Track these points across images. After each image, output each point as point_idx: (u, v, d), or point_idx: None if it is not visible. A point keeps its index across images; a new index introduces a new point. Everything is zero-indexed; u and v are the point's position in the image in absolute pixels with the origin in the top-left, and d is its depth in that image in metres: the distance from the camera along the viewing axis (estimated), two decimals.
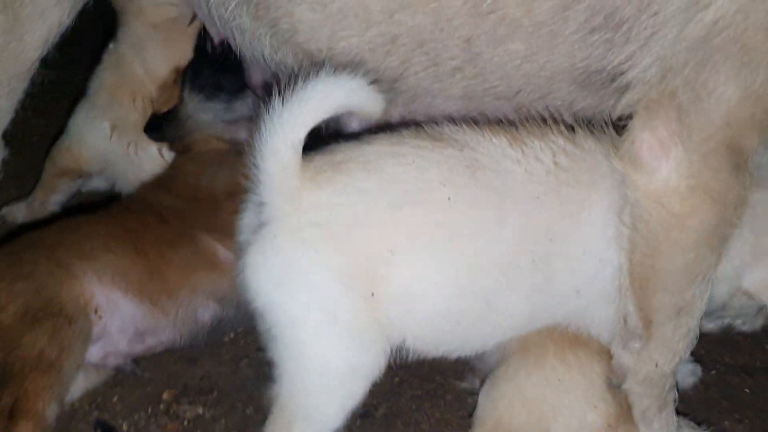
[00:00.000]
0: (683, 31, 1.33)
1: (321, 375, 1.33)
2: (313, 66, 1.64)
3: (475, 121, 1.55)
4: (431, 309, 1.37)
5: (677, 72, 1.35)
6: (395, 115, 1.77)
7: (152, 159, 2.22)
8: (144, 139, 2.20)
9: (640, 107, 1.42)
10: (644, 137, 1.40)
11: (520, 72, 1.55)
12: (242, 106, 2.10)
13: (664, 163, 1.39)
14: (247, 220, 1.41)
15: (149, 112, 2.21)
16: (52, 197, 2.31)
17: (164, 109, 2.14)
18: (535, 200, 1.38)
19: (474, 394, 1.73)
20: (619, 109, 1.46)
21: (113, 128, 2.24)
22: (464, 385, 1.87)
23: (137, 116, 2.23)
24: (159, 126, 2.14)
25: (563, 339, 1.63)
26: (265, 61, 1.71)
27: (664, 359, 1.56)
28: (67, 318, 1.67)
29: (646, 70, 1.39)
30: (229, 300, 1.82)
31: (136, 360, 1.89)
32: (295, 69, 1.69)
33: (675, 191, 1.38)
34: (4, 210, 2.36)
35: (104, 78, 2.29)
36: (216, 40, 2.02)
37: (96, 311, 1.73)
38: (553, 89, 1.58)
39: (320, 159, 1.36)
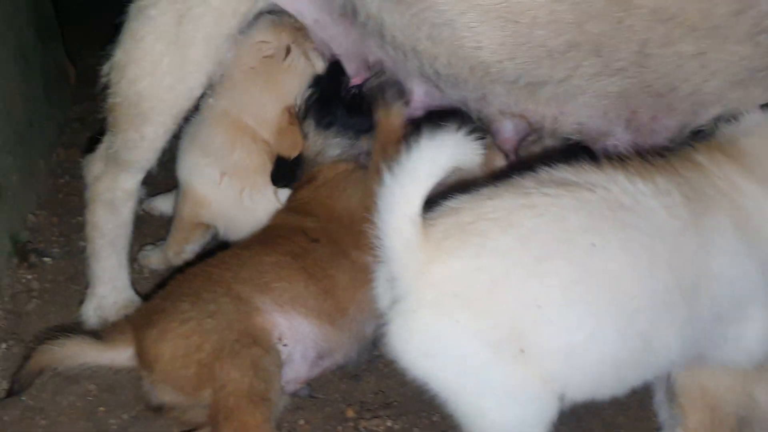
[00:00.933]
0: None
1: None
2: (485, 75, 1.75)
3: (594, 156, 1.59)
4: (590, 359, 1.33)
5: None
6: (548, 116, 1.88)
7: (267, 203, 2.17)
8: (258, 183, 2.16)
9: None
10: None
11: (681, 70, 1.70)
12: (367, 142, 2.15)
13: None
14: (381, 290, 1.41)
15: (268, 157, 2.17)
16: (186, 248, 2.26)
17: (293, 155, 2.12)
18: (678, 234, 1.37)
19: None
20: None
21: (222, 175, 2.18)
22: None
23: (252, 162, 2.18)
24: (287, 169, 2.13)
25: None
26: (434, 75, 1.80)
27: None
28: (263, 349, 1.69)
29: None
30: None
31: (309, 383, 1.91)
32: (465, 79, 1.78)
33: None
34: (140, 255, 2.34)
35: (211, 130, 2.18)
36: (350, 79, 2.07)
37: (280, 339, 1.75)
38: (706, 85, 1.73)
39: (444, 222, 1.33)
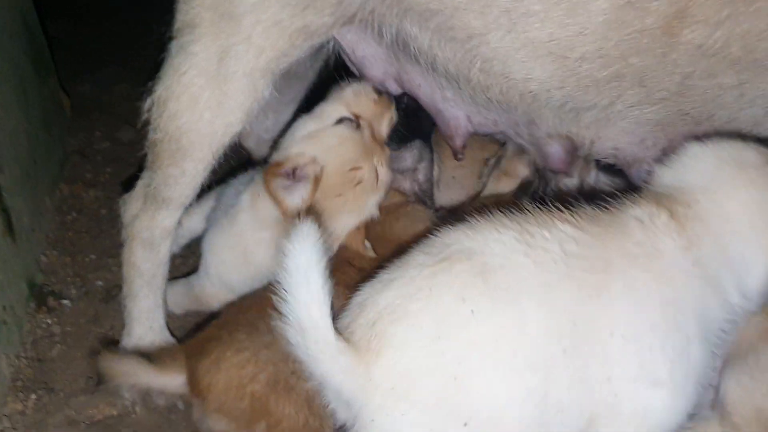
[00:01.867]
0: None
1: None
2: (534, 101, 1.79)
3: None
4: (512, 421, 1.35)
5: None
6: (586, 139, 1.95)
7: None
8: None
9: None
10: None
11: (719, 100, 1.77)
12: (410, 156, 2.16)
13: None
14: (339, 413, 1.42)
15: None
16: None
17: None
18: (547, 288, 1.38)
19: None
20: None
21: None
22: None
23: None
24: None
25: None
26: (485, 102, 1.87)
27: None
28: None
29: None
30: None
31: None
32: (515, 106, 1.85)
33: None
34: None
35: None
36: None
37: None
38: (743, 113, 1.80)
39: (358, 326, 1.36)
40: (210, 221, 2.15)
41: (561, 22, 1.60)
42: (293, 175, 1.89)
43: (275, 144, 2.07)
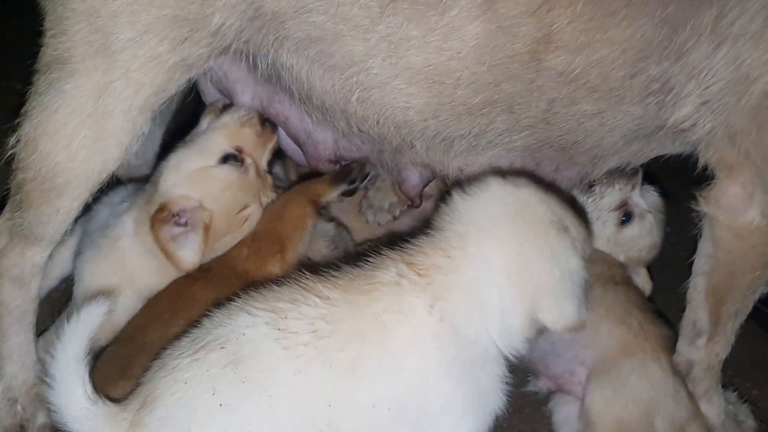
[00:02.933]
0: (740, 101, 1.68)
1: None
2: (409, 132, 1.85)
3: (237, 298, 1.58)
4: None
5: (744, 135, 1.70)
6: (454, 167, 2.03)
7: None
8: None
9: (721, 164, 1.79)
10: (729, 187, 1.77)
11: (582, 127, 1.90)
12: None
13: (748, 207, 1.77)
14: None
15: None
16: None
17: None
18: (297, 373, 1.39)
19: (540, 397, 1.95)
20: (701, 164, 1.85)
21: None
22: (531, 388, 2.07)
23: None
24: None
25: (655, 339, 1.95)
26: (364, 132, 1.91)
27: (723, 349, 1.96)
28: None
29: (712, 132, 1.78)
30: None
31: None
32: (390, 137, 1.90)
33: (756, 229, 1.78)
34: None
35: None
36: None
37: None
38: (604, 141, 1.94)
39: (129, 410, 1.43)
40: (82, 246, 2.06)
41: (437, 47, 1.67)
42: (179, 217, 1.89)
43: (154, 170, 2.05)
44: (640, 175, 2.19)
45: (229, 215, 1.95)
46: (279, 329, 1.41)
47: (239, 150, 2.01)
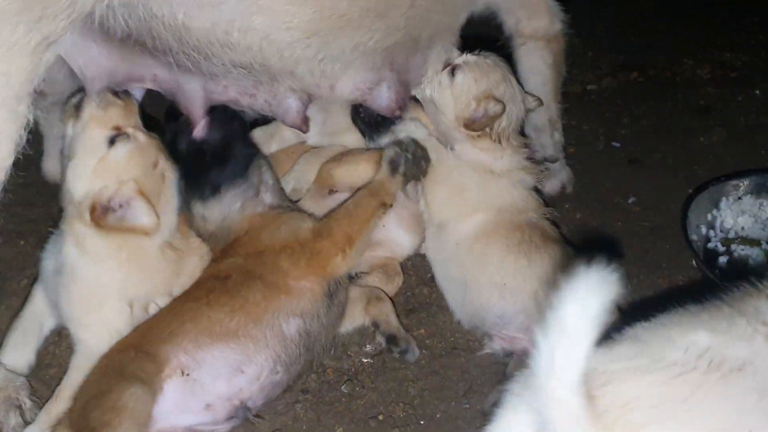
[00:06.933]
0: None
1: None
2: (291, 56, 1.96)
3: None
4: None
5: None
6: (326, 87, 2.15)
7: None
8: None
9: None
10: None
11: (425, 20, 2.14)
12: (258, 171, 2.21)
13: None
14: None
15: None
16: None
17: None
18: None
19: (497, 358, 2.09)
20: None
21: None
22: (487, 351, 2.13)
23: None
24: None
25: None
26: (244, 67, 1.98)
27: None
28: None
29: None
30: (309, 314, 1.99)
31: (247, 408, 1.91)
32: (273, 66, 1.98)
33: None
34: None
35: None
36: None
37: (183, 372, 1.82)
38: (443, 23, 2.24)
39: (605, 397, 1.15)
40: (52, 295, 2.05)
41: None
42: (111, 202, 1.92)
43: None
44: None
45: (148, 176, 2.00)
46: None
47: (117, 128, 2.02)
